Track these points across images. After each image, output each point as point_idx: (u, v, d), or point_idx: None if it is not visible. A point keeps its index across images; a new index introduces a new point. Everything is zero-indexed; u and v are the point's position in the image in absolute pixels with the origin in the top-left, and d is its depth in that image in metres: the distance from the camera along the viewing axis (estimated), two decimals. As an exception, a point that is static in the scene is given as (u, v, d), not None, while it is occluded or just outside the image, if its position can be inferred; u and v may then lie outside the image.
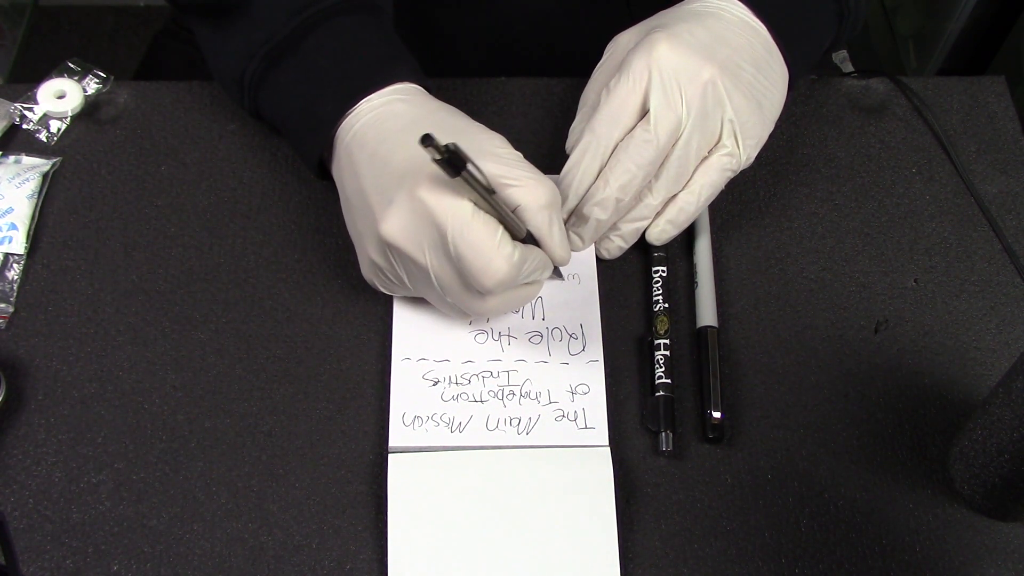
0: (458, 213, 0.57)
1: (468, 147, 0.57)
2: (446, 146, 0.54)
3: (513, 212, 0.60)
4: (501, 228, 0.58)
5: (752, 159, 0.68)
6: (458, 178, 0.55)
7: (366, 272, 0.65)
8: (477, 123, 0.64)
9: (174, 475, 0.63)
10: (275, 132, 0.75)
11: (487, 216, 0.58)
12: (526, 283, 0.63)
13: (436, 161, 0.54)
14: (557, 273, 0.68)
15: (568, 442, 0.63)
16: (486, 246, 0.58)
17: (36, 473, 0.63)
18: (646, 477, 0.63)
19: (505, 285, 0.59)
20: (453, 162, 0.54)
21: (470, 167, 0.55)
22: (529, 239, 0.62)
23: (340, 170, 0.65)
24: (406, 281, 0.63)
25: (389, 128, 0.63)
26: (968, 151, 0.77)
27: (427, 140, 0.53)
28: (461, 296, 0.61)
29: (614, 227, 0.69)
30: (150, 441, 0.64)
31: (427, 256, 0.59)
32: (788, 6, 0.69)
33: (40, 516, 0.61)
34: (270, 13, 0.67)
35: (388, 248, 0.61)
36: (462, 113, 0.65)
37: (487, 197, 0.57)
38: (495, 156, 0.60)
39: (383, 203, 0.60)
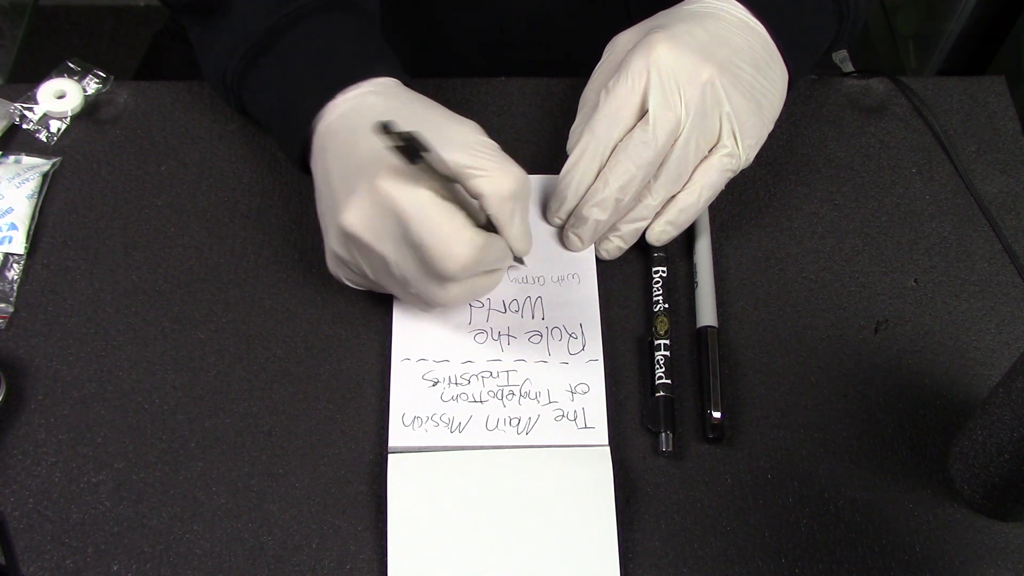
0: (418, 201, 0.58)
1: (436, 137, 0.57)
2: (402, 134, 0.54)
3: (478, 201, 0.61)
4: (462, 213, 0.59)
5: (751, 159, 0.68)
6: (417, 167, 0.56)
7: (331, 264, 0.65)
8: (451, 113, 0.64)
9: (174, 475, 0.63)
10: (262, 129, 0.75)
11: (447, 203, 0.58)
12: (487, 272, 0.63)
13: (391, 148, 0.55)
14: (519, 259, 0.68)
15: (568, 442, 0.63)
16: (446, 231, 0.58)
17: (36, 473, 0.63)
18: (646, 477, 0.63)
19: (468, 270, 0.59)
20: (410, 149, 0.55)
21: (428, 154, 0.55)
22: (490, 228, 0.62)
23: (314, 163, 0.66)
24: (368, 273, 0.63)
25: (358, 120, 0.63)
26: (968, 151, 0.77)
27: (385, 126, 0.54)
28: (423, 286, 0.61)
29: (613, 227, 0.69)
30: (150, 441, 0.64)
31: (387, 246, 0.60)
32: (787, 7, 0.69)
33: (40, 516, 0.61)
34: (248, 12, 0.68)
35: (348, 239, 0.61)
36: (437, 104, 0.65)
37: (447, 185, 0.58)
38: (464, 145, 0.60)
39: (345, 193, 0.61)
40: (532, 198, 0.72)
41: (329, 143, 0.64)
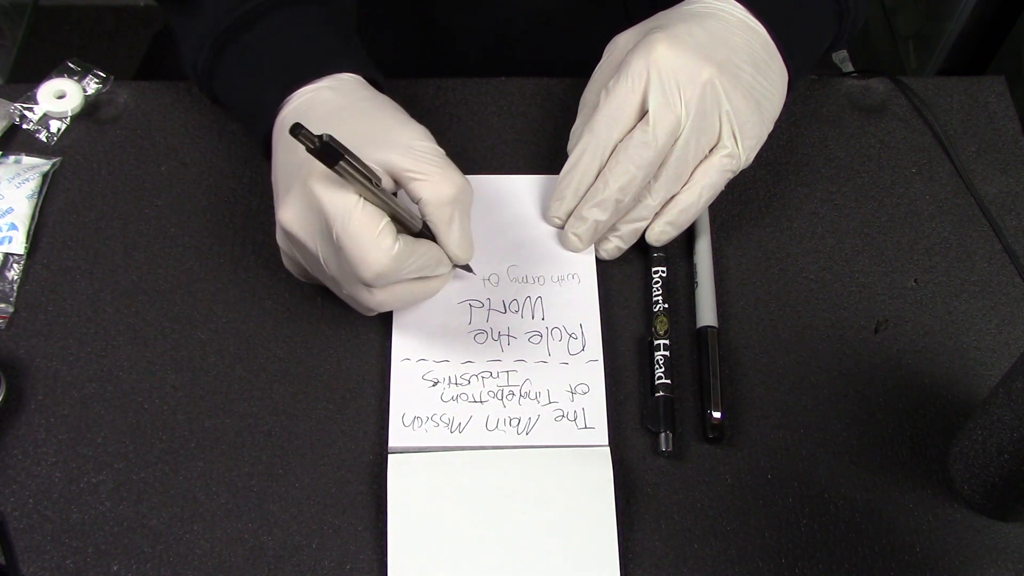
0: (343, 204, 0.57)
1: (379, 139, 0.57)
2: (319, 136, 0.54)
3: (417, 205, 0.61)
4: (385, 220, 0.58)
5: (751, 159, 0.68)
6: (338, 170, 0.56)
7: (283, 257, 0.66)
8: (403, 115, 0.64)
9: (174, 475, 0.63)
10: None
11: (374, 209, 0.58)
12: (421, 278, 0.63)
13: (309, 151, 0.55)
14: (467, 268, 0.67)
15: (568, 442, 0.63)
16: (365, 238, 0.58)
17: (36, 473, 0.63)
18: (646, 477, 0.63)
19: (384, 278, 0.59)
20: (327, 152, 0.55)
21: (348, 158, 0.55)
22: (428, 235, 0.62)
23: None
24: (308, 269, 0.63)
25: (309, 116, 0.63)
26: (968, 151, 0.77)
27: (296, 129, 0.54)
28: (352, 287, 0.61)
29: (613, 228, 0.69)
30: (150, 441, 0.64)
31: (318, 246, 0.60)
32: (787, 7, 0.69)
33: (40, 516, 0.61)
34: (218, 3, 0.68)
35: (286, 235, 0.61)
36: (392, 104, 0.65)
37: (372, 189, 0.57)
38: (407, 149, 0.60)
39: (284, 189, 0.61)
40: (532, 198, 0.72)
41: (280, 138, 0.64)
